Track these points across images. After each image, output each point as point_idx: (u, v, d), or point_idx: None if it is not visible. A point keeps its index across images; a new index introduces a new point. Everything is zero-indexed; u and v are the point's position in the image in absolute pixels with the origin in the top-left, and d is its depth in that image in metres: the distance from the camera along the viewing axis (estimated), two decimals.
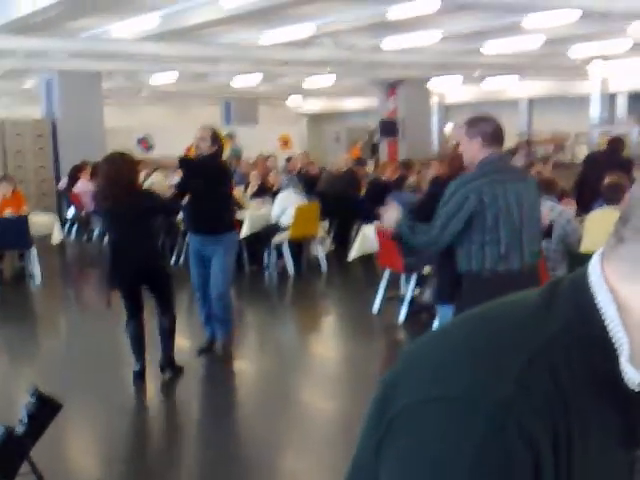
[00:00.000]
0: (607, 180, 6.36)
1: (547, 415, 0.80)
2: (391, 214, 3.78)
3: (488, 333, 0.87)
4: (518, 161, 17.29)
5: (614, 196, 5.68)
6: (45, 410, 3.34)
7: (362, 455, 1.00)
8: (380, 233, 7.03)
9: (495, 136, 3.74)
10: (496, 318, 0.90)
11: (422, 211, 4.13)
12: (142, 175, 12.54)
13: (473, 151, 3.75)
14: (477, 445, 0.79)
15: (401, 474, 0.84)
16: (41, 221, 9.93)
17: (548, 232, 4.54)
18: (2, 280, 9.49)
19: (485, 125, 3.77)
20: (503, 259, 3.69)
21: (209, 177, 5.66)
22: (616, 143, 9.27)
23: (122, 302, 5.45)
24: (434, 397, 0.83)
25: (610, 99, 19.94)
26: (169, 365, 5.56)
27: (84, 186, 12.69)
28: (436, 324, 5.32)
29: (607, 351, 0.83)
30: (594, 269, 0.87)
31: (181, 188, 5.83)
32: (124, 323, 5.46)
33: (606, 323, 0.83)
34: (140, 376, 5.44)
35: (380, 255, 7.45)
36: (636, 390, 0.83)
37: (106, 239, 11.58)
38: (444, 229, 3.66)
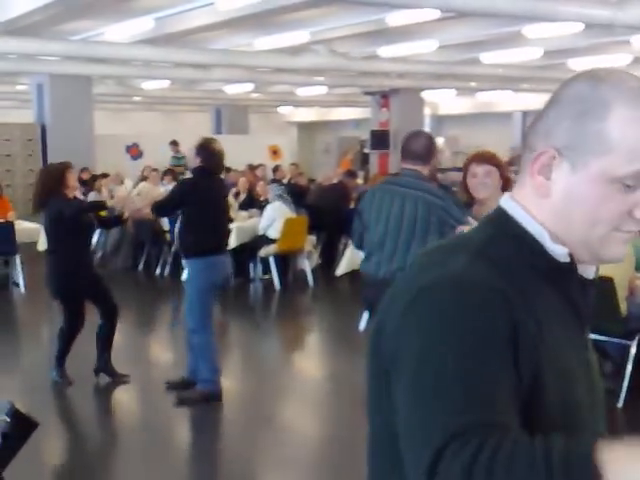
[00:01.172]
0: None
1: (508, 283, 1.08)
2: None
3: (447, 245, 1.20)
4: (511, 175, 17.34)
5: None
6: (20, 428, 3.21)
7: (374, 394, 1.17)
8: None
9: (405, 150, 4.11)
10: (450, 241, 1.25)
11: None
12: (129, 184, 12.48)
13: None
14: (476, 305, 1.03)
15: (424, 341, 1.03)
16: (27, 228, 9.80)
17: None
18: None
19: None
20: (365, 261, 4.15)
21: (187, 203, 5.17)
22: None
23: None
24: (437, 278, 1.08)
25: None
26: (103, 370, 5.73)
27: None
28: None
29: (532, 241, 1.13)
30: (504, 196, 1.20)
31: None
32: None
33: (520, 221, 1.14)
34: (96, 372, 5.71)
35: None
36: (566, 260, 1.13)
37: (92, 246, 11.59)
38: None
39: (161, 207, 5.50)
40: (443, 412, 0.97)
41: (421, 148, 4.04)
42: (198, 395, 5.20)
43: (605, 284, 4.75)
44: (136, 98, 22.03)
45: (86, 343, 5.79)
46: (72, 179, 5.54)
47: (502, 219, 1.16)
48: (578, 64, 15.81)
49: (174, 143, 15.46)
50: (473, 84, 18.54)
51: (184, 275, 9.34)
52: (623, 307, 4.96)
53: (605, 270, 5.20)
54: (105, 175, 12.70)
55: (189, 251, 5.19)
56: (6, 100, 21.44)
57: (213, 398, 5.20)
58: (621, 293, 4.93)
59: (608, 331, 4.90)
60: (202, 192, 5.14)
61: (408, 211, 3.95)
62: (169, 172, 13.00)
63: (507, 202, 1.17)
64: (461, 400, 0.97)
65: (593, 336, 5.15)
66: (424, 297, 1.06)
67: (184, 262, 5.56)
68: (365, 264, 4.12)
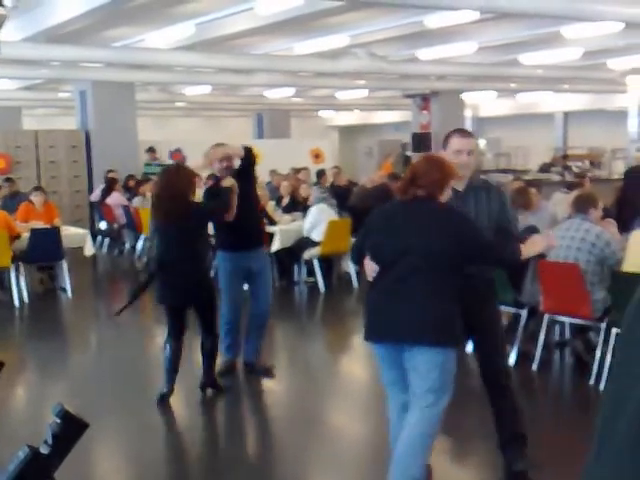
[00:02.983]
0: None
1: None
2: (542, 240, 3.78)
3: None
4: (554, 176, 17.09)
5: None
6: (70, 430, 3.24)
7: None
8: None
9: None
10: None
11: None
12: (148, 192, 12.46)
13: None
14: None
15: None
16: (73, 233, 9.93)
17: None
18: (33, 292, 9.48)
19: None
20: None
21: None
22: None
23: (166, 320, 5.38)
24: None
25: None
26: (210, 384, 5.50)
27: (117, 199, 12.70)
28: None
29: None
30: None
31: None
32: (156, 339, 5.39)
33: None
34: (164, 399, 5.29)
35: None
36: None
37: (137, 252, 11.74)
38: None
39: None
40: None
41: None
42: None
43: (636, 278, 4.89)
44: (178, 104, 22.23)
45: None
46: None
47: None
48: (618, 64, 15.60)
49: (151, 150, 14.95)
50: (513, 85, 18.38)
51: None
52: None
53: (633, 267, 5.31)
54: (149, 180, 12.81)
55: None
56: (50, 107, 21.82)
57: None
58: None
59: None
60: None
61: None
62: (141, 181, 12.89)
63: None
64: None
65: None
66: None
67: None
68: None
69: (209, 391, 5.49)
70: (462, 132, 3.95)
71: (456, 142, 3.83)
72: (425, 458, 3.51)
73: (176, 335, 5.28)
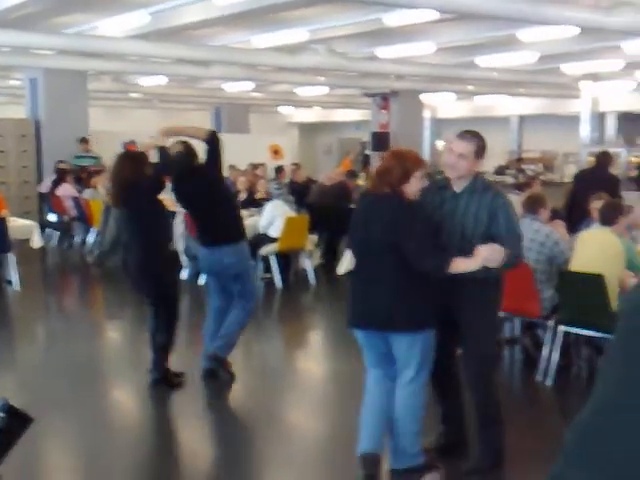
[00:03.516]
0: (602, 201, 6.19)
1: None
2: (499, 252, 3.61)
3: None
4: (508, 179, 17.29)
5: (610, 217, 5.50)
6: (15, 424, 3.10)
7: None
8: None
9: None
10: None
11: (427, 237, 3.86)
12: (102, 185, 12.17)
13: (474, 169, 3.91)
14: None
15: None
16: (20, 225, 9.63)
17: None
18: None
19: (486, 145, 3.92)
20: None
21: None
22: (604, 158, 9.13)
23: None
24: None
25: (600, 119, 19.93)
26: (162, 380, 5.33)
27: (67, 190, 12.37)
28: None
29: None
30: None
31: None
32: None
33: None
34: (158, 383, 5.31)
35: None
36: None
37: (87, 246, 11.47)
38: (520, 239, 3.91)
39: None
40: None
41: None
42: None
43: (596, 281, 5.06)
44: (133, 95, 21.86)
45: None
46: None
47: None
48: (572, 69, 15.82)
49: (84, 141, 14.30)
50: (470, 88, 18.52)
51: (184, 274, 9.23)
52: (615, 304, 5.07)
53: (596, 268, 5.35)
54: (100, 172, 12.52)
55: (237, 236, 5.41)
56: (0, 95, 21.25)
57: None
58: (612, 290, 5.10)
59: (600, 327, 5.09)
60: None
61: None
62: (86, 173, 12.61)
63: None
64: None
65: (586, 332, 5.33)
66: None
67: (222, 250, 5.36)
68: None
69: (161, 387, 5.32)
70: (462, 134, 3.90)
71: (453, 142, 3.90)
72: (416, 426, 3.83)
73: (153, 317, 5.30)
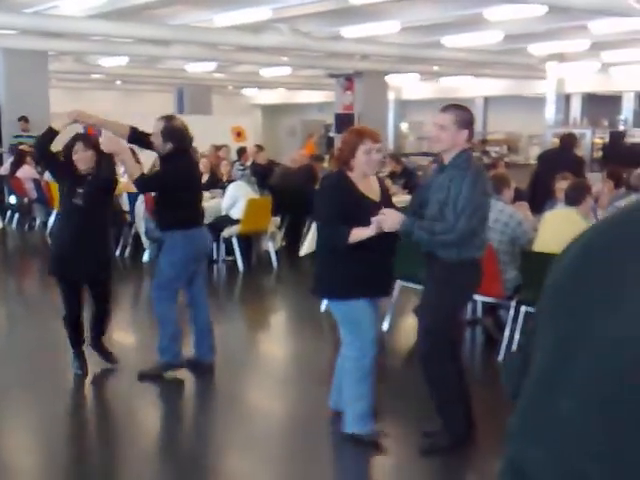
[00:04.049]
0: (568, 181, 6.24)
1: None
2: (392, 217, 3.70)
3: None
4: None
5: (576, 197, 5.55)
6: None
7: None
8: None
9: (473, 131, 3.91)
10: None
11: (332, 213, 3.97)
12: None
13: (458, 140, 3.79)
14: None
15: None
16: None
17: None
18: None
19: (471, 117, 3.88)
20: (482, 247, 4.00)
21: (167, 188, 5.02)
22: (568, 139, 9.20)
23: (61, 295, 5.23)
24: None
25: (565, 100, 20.05)
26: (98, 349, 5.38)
27: (27, 172, 12.18)
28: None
29: None
30: None
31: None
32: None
33: None
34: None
35: None
36: None
37: (48, 228, 11.32)
38: (471, 220, 3.73)
39: (147, 185, 5.15)
40: None
41: None
42: (160, 367, 5.19)
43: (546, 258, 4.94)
44: (94, 76, 21.56)
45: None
46: None
47: None
48: (538, 49, 15.87)
49: (24, 119, 13.85)
50: (436, 68, 18.51)
51: (145, 256, 9.16)
52: None
53: (560, 248, 5.31)
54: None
55: (169, 224, 5.08)
56: None
57: (173, 367, 5.22)
58: None
59: None
60: (184, 174, 5.05)
61: None
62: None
63: None
64: None
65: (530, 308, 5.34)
66: None
67: (159, 236, 5.36)
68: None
69: (122, 370, 5.31)
70: (444, 107, 3.88)
71: (436, 115, 3.90)
72: (351, 393, 4.04)
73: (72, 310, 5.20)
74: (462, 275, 3.91)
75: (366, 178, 3.95)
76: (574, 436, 0.96)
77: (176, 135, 4.94)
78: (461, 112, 3.83)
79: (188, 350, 5.42)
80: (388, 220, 3.69)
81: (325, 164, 13.40)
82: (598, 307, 0.99)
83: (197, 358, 5.41)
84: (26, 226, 12.27)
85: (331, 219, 3.85)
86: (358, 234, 3.73)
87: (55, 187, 10.94)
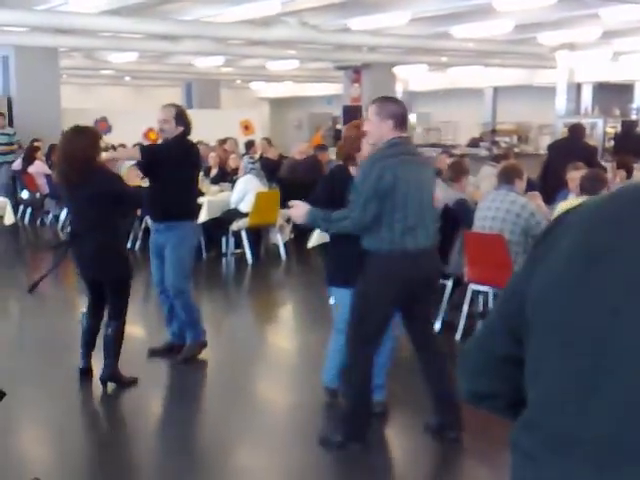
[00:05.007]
0: (580, 170, 6.23)
1: None
2: (299, 209, 3.87)
3: None
4: (482, 151, 17.35)
5: (592, 187, 5.52)
6: None
7: None
8: None
9: (404, 119, 3.84)
10: None
11: (319, 198, 4.16)
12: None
13: (382, 131, 3.80)
14: None
15: None
16: None
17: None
18: None
19: (396, 107, 3.86)
20: (410, 235, 3.78)
21: (173, 162, 5.13)
22: (577, 130, 9.20)
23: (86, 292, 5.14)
24: None
25: (576, 89, 19.93)
26: (110, 378, 4.97)
27: (39, 167, 12.29)
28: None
29: None
30: None
31: (145, 174, 5.45)
32: (78, 309, 5.23)
33: None
34: (85, 373, 5.06)
35: None
36: None
37: (60, 222, 11.42)
38: (364, 210, 3.71)
39: (150, 150, 5.38)
40: None
41: (405, 113, 3.90)
42: (195, 348, 5.49)
43: None
44: (104, 72, 21.64)
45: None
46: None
47: None
48: (548, 39, 15.79)
49: (1, 115, 13.38)
50: (444, 59, 18.44)
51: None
52: None
53: None
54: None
55: (181, 214, 5.31)
56: None
57: (204, 345, 5.57)
58: None
59: None
60: (192, 157, 5.36)
61: (429, 180, 4.01)
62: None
63: None
64: None
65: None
66: None
67: (165, 226, 5.33)
68: (413, 239, 3.79)
69: (109, 385, 4.98)
70: (372, 100, 4.00)
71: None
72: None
73: (93, 310, 5.03)
74: (371, 267, 3.83)
75: None
76: None
77: (186, 119, 5.26)
78: (384, 103, 3.86)
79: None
80: (293, 212, 3.89)
81: (332, 155, 13.44)
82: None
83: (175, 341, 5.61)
84: (38, 221, 12.38)
85: (315, 204, 3.92)
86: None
87: None
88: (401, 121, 3.79)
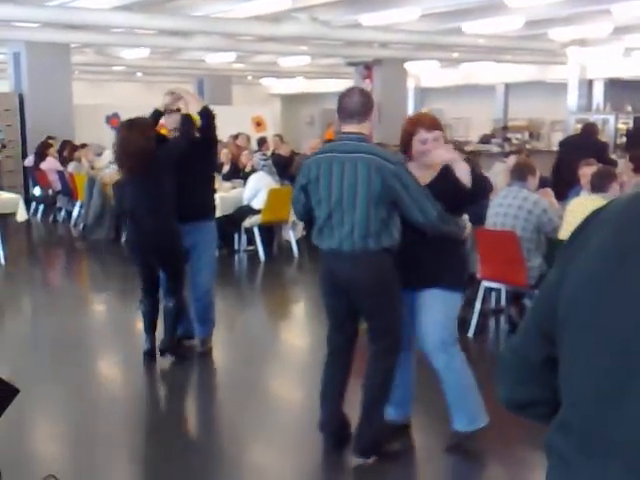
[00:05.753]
0: (593, 167, 6.21)
1: None
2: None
3: None
4: (494, 148, 17.28)
5: (602, 184, 5.52)
6: (1, 395, 3.15)
7: None
8: None
9: (340, 109, 3.66)
10: None
11: None
12: (109, 155, 12.17)
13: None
14: None
15: None
16: (5, 199, 9.62)
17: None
18: None
19: (340, 99, 3.70)
20: (317, 237, 3.77)
21: (197, 157, 5.14)
22: (590, 127, 9.19)
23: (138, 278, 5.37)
24: None
25: (587, 85, 19.85)
26: (170, 349, 5.36)
27: (51, 164, 12.33)
28: None
29: None
30: None
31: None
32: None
33: None
34: (149, 354, 5.32)
35: None
36: None
37: (72, 219, 11.47)
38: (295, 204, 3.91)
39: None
40: None
41: (356, 105, 3.63)
42: (209, 337, 5.65)
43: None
44: (116, 68, 21.68)
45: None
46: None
47: None
48: (559, 34, 15.72)
49: None
50: (456, 55, 18.40)
51: None
52: None
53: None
54: (84, 145, 12.49)
55: (209, 212, 5.45)
56: None
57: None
58: None
59: None
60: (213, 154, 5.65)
61: (362, 177, 3.53)
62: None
63: None
64: None
65: None
66: None
67: (191, 227, 5.25)
68: (319, 239, 3.76)
69: (167, 356, 5.36)
70: None
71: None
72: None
73: (148, 292, 5.31)
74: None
75: (431, 169, 3.76)
76: None
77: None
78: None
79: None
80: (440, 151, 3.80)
81: None
82: None
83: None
84: (50, 218, 12.43)
85: None
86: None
87: (80, 178, 11.12)
88: (340, 114, 3.66)
